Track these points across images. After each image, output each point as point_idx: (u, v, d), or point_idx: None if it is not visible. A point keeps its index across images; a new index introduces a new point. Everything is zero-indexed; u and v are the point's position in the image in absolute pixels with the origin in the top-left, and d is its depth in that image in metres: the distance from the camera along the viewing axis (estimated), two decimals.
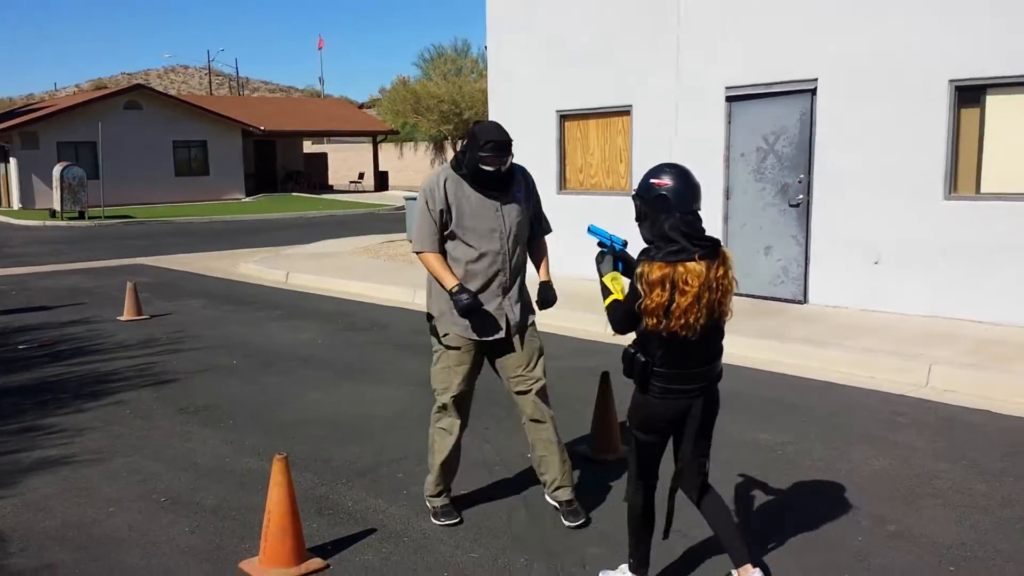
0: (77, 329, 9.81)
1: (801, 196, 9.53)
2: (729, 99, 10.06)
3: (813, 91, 9.35)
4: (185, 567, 4.02)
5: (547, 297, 4.45)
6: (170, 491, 4.96)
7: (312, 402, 6.74)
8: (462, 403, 4.52)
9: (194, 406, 6.68)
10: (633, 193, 3.33)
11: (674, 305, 3.15)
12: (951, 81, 8.41)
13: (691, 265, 3.16)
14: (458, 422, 4.53)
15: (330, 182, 45.71)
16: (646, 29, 10.79)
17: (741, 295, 10.13)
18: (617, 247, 3.56)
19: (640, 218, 3.35)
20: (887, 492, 4.78)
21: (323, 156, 46.77)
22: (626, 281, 3.41)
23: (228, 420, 6.31)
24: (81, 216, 27.48)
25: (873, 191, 8.97)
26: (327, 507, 4.69)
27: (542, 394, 4.48)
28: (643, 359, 3.32)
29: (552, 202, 12.06)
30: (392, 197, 36.27)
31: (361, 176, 43.81)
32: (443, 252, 4.40)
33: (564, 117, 12.01)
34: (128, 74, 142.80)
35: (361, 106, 59.22)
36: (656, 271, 3.16)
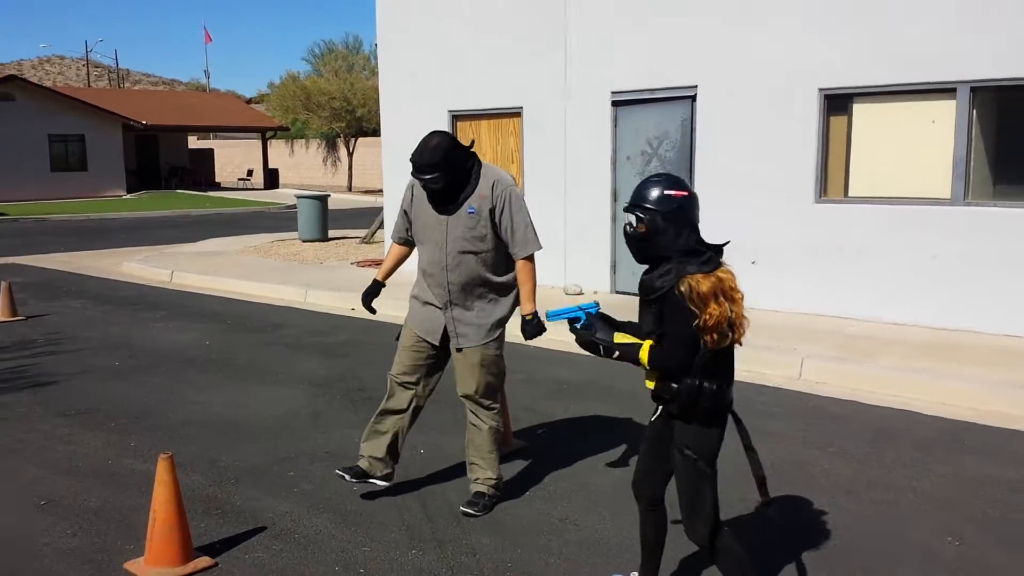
0: None
1: None
2: (615, 104, 10.36)
3: (693, 97, 9.72)
4: (67, 569, 3.94)
5: (524, 332, 4.56)
6: (51, 494, 4.83)
7: (200, 403, 6.65)
8: (402, 386, 4.65)
9: (75, 409, 6.49)
10: (643, 207, 3.10)
11: (733, 316, 3.00)
12: (821, 90, 8.89)
13: (725, 273, 3.06)
14: (392, 401, 4.67)
15: (217, 179, 44.57)
16: (536, 33, 10.99)
17: (629, 294, 10.45)
18: (593, 312, 3.33)
19: (651, 234, 3.10)
20: None
21: (209, 152, 45.56)
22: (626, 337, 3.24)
23: (111, 423, 6.17)
24: None
25: (750, 194, 9.39)
26: (215, 507, 4.66)
27: (474, 404, 4.64)
28: (714, 386, 3.08)
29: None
30: (283, 195, 35.63)
31: (250, 173, 42.91)
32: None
33: (456, 117, 12.11)
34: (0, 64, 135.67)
35: (249, 101, 57.95)
36: (704, 283, 2.98)
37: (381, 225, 17.49)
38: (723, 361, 3.12)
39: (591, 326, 3.28)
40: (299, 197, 18.29)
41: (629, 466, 5.21)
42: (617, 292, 10.62)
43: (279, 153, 47.46)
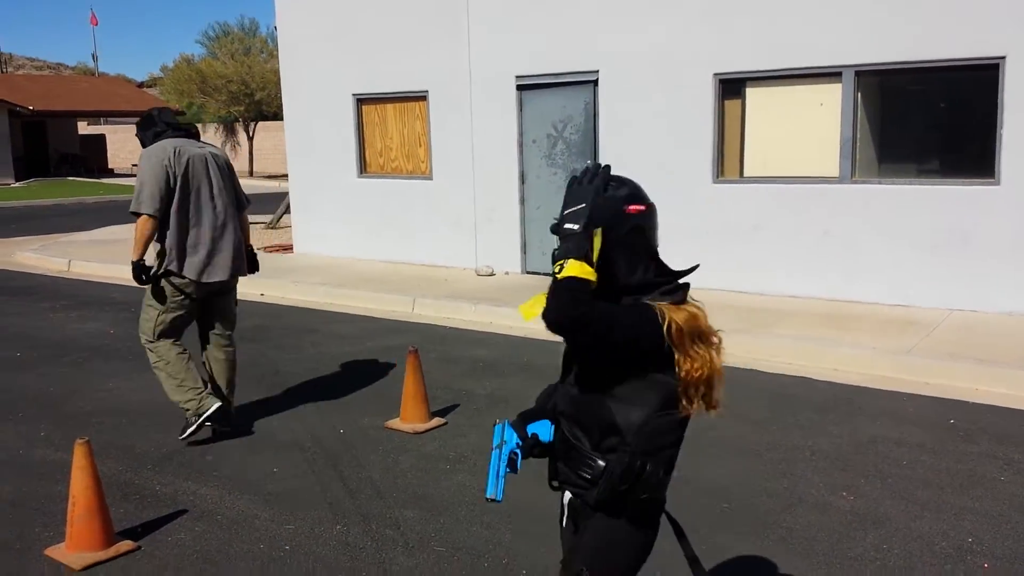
0: None
1: None
2: (520, 87, 10.50)
3: (595, 82, 9.95)
4: None
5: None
6: None
7: (109, 392, 6.54)
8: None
9: None
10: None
11: (712, 364, 2.15)
12: (715, 75, 9.22)
13: (695, 305, 2.20)
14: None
15: (110, 165, 43.01)
16: (439, 16, 11.03)
17: (539, 273, 10.67)
18: (515, 443, 2.36)
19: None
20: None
21: (101, 138, 43.89)
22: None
23: (17, 413, 6.03)
24: None
25: (651, 176, 9.57)
26: (134, 492, 4.65)
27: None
28: (659, 469, 2.19)
29: (354, 186, 12.17)
30: None
31: None
32: None
33: (361, 101, 12.06)
34: None
35: (140, 85, 55.99)
36: (679, 312, 2.11)
37: (287, 210, 17.30)
38: (677, 436, 2.23)
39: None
40: None
41: None
42: (528, 272, 10.81)
43: None
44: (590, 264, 2.03)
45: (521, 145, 10.61)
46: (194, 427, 5.29)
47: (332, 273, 11.08)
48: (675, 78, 9.41)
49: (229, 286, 5.65)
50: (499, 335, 8.25)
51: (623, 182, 2.27)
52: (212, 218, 5.37)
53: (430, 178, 11.43)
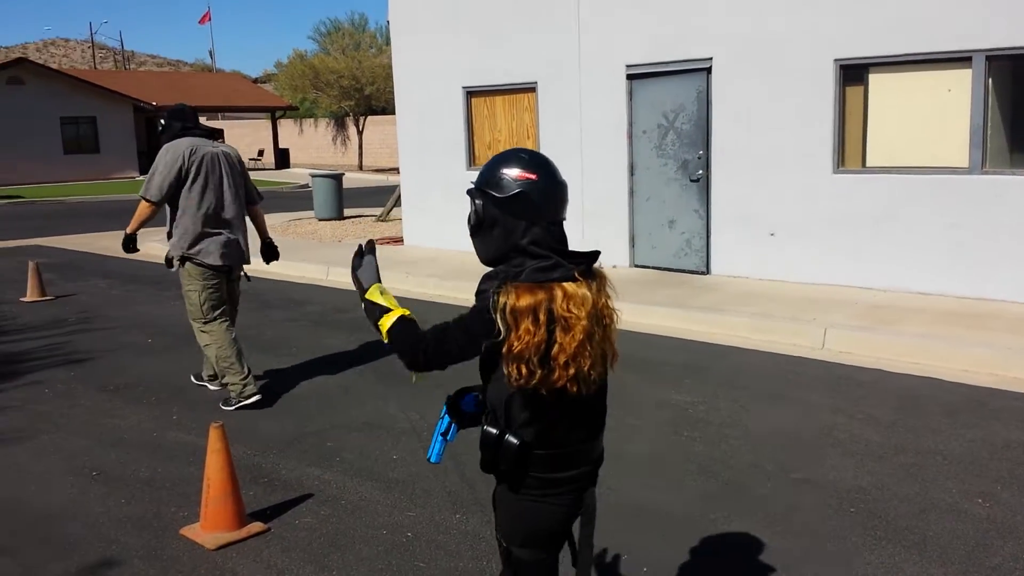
0: None
1: (700, 171, 9.96)
2: (630, 77, 10.40)
3: (708, 70, 9.76)
4: (126, 536, 4.09)
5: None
6: (100, 466, 4.98)
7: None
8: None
9: (114, 384, 6.64)
10: (470, 188, 2.38)
11: (556, 347, 2.20)
12: (836, 60, 8.92)
13: (571, 288, 2.24)
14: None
15: None
16: (549, 6, 11.02)
17: (648, 267, 10.55)
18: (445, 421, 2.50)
19: (483, 226, 2.34)
20: (791, 443, 5.18)
21: (219, 133, 45.52)
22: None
23: (151, 396, 6.32)
24: None
25: (767, 166, 9.45)
26: (261, 475, 4.81)
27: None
28: (516, 441, 2.28)
29: (463, 179, 12.27)
30: (295, 175, 35.73)
31: (261, 153, 42.95)
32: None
33: (471, 93, 12.16)
34: (3, 48, 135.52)
35: (255, 81, 57.87)
36: (524, 296, 2.19)
37: (397, 203, 17.63)
38: (549, 416, 2.30)
39: (360, 263, 2.59)
40: (314, 176, 18.39)
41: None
42: (636, 266, 10.71)
43: (288, 133, 47.46)
44: (388, 309, 2.40)
45: (631, 136, 10.50)
46: (233, 407, 5.96)
47: (442, 265, 11.22)
48: (794, 64, 9.15)
49: (235, 274, 6.28)
50: None
51: (521, 150, 2.41)
52: (221, 210, 5.97)
53: None
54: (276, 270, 12.12)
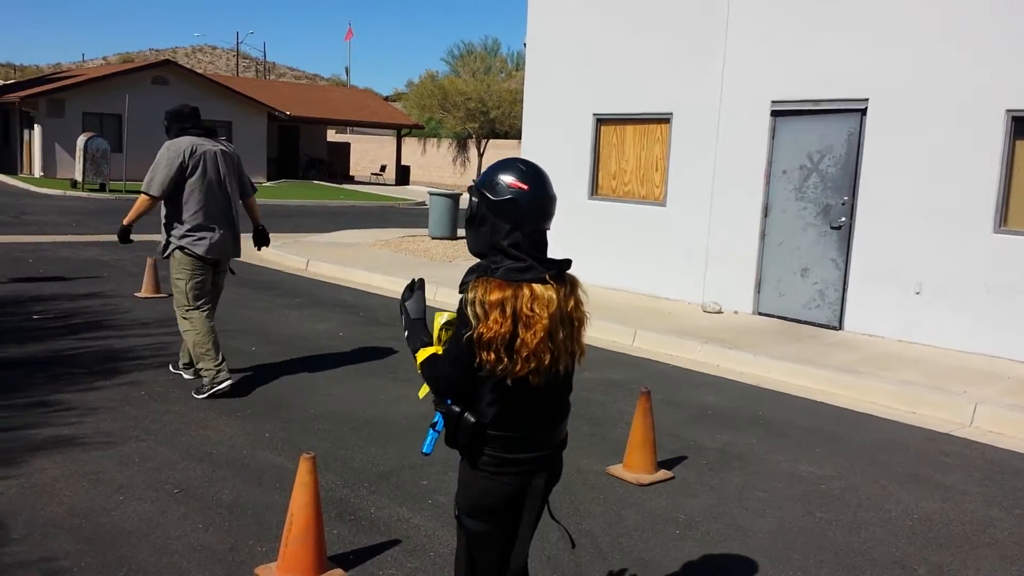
0: (93, 303, 9.60)
1: (844, 219, 9.25)
2: (775, 113, 9.79)
3: (863, 111, 9.06)
4: (198, 568, 3.77)
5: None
6: (184, 481, 4.71)
7: (333, 397, 6.50)
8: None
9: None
10: (472, 185, 2.60)
11: (519, 341, 2.43)
12: (1008, 111, 8.12)
13: (539, 289, 2.47)
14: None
15: (351, 172, 45.55)
16: (692, 36, 10.52)
17: (773, 316, 9.86)
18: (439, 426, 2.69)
19: (475, 221, 2.56)
20: (941, 538, 4.51)
21: (346, 146, 46.63)
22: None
23: (246, 409, 6.07)
24: (102, 188, 27.37)
25: (919, 218, 8.68)
26: (348, 511, 4.44)
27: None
28: (472, 419, 2.51)
29: (584, 207, 11.86)
30: (413, 192, 36.06)
31: (383, 169, 43.64)
32: None
33: (601, 121, 11.74)
34: (156, 50, 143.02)
35: (386, 99, 59.11)
36: (494, 291, 2.43)
37: None
38: (508, 401, 2.52)
39: (409, 299, 2.79)
40: (432, 194, 18.29)
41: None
42: (760, 314, 10.04)
43: (411, 150, 48.19)
44: (429, 342, 2.65)
45: (769, 175, 9.87)
46: (206, 395, 6.18)
47: None
48: (958, 111, 8.39)
49: (223, 267, 6.57)
50: (728, 380, 7.60)
51: (522, 160, 2.62)
52: (217, 204, 6.32)
53: (663, 204, 10.91)
54: (382, 285, 12.00)
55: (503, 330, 2.41)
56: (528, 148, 12.80)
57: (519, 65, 38.13)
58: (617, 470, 5.20)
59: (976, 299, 8.34)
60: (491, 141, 39.05)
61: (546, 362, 2.46)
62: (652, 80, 11.01)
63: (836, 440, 6.10)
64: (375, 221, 22.54)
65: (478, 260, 2.59)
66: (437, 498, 4.69)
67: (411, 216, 25.17)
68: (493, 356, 2.43)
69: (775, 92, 9.75)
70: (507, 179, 2.51)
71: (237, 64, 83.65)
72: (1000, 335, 8.17)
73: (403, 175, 41.99)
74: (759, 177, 9.92)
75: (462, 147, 43.97)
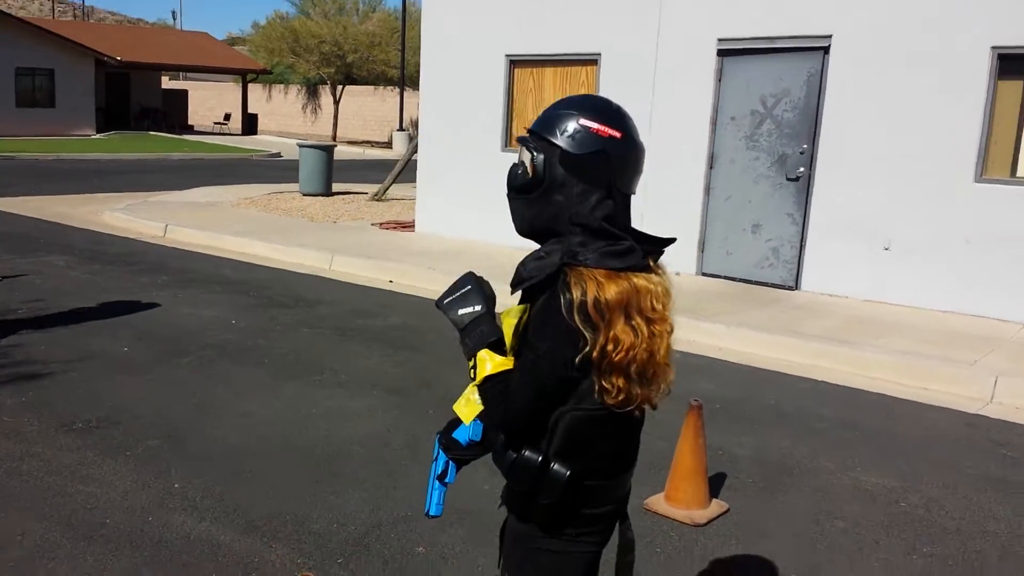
0: None
1: (802, 169, 8.33)
2: (722, 53, 8.71)
3: (826, 50, 8.11)
4: None
5: None
6: None
7: (251, 417, 4.99)
8: None
9: (83, 419, 4.81)
10: (540, 137, 1.81)
11: (651, 352, 1.78)
12: (993, 48, 7.34)
13: (655, 280, 1.82)
14: None
15: (190, 122, 42.10)
16: None
17: (719, 276, 8.93)
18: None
19: (541, 186, 1.81)
20: None
21: (183, 93, 43.00)
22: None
23: (135, 444, 4.50)
24: None
25: (889, 168, 7.86)
26: None
27: None
28: (566, 471, 1.81)
29: (496, 160, 10.52)
30: (264, 142, 33.49)
31: (227, 117, 40.51)
32: None
33: (515, 63, 10.37)
34: None
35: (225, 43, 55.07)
36: (610, 285, 1.74)
37: (395, 180, 15.79)
38: (610, 436, 1.85)
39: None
40: (301, 146, 16.45)
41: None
42: (704, 274, 9.08)
43: (256, 98, 44.91)
44: (502, 345, 1.82)
45: (715, 122, 8.83)
46: None
47: (474, 261, 9.44)
48: (938, 50, 7.55)
49: None
50: (715, 360, 6.55)
51: (596, 97, 1.91)
52: None
53: None
54: (265, 254, 10.33)
55: (641, 344, 1.76)
56: (428, 94, 11.29)
57: (375, 6, 35.91)
58: (658, 504, 4.02)
59: (955, 254, 7.61)
60: (347, 88, 36.74)
61: (671, 379, 1.86)
62: (575, 16, 9.71)
63: (874, 435, 5.14)
64: (230, 176, 20.32)
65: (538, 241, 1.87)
66: (444, 572, 3.39)
67: (269, 169, 23.02)
68: (623, 381, 1.77)
69: (722, 29, 8.65)
70: (589, 123, 1.81)
71: (53, 9, 76.42)
72: (982, 292, 7.48)
73: (251, 124, 39.06)
74: (704, 124, 8.85)
75: (313, 94, 41.39)
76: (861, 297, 8.07)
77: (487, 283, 1.93)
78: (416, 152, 11.91)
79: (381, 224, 12.43)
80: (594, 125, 1.80)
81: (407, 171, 15.71)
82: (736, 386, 5.95)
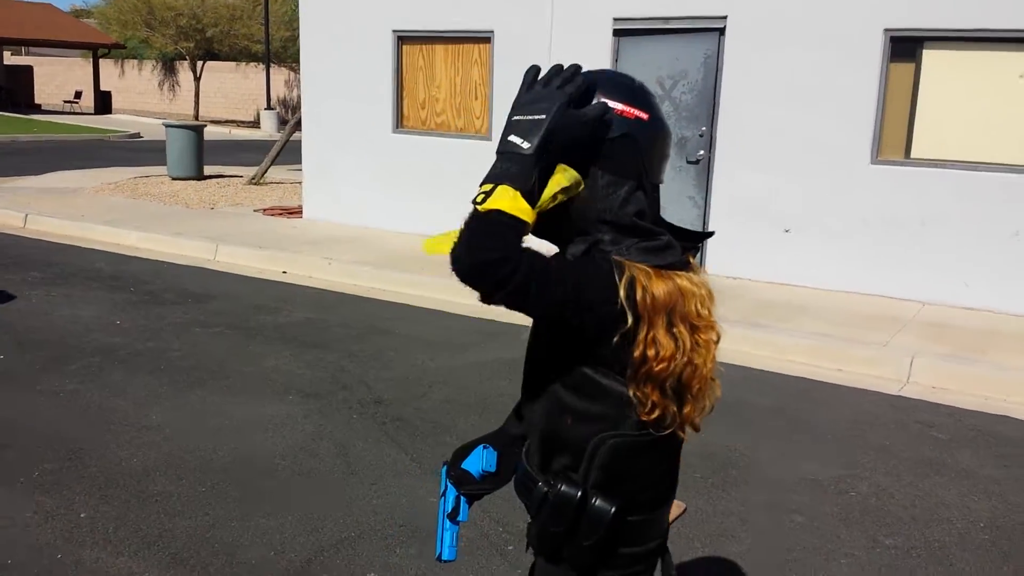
0: None
1: (702, 152, 8.33)
2: (618, 32, 8.60)
3: (722, 30, 8.11)
4: None
5: None
6: None
7: (155, 431, 4.54)
8: None
9: None
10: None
11: (695, 364, 1.57)
12: (886, 31, 7.50)
13: (697, 280, 1.60)
14: None
15: (36, 100, 39.33)
16: None
17: None
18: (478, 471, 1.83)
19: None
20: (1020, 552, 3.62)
21: (27, 69, 40.04)
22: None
23: (30, 469, 4.00)
24: None
25: (788, 150, 7.95)
26: None
27: None
28: (611, 507, 1.57)
29: (388, 142, 10.12)
30: (120, 121, 31.59)
31: (78, 95, 38.03)
32: None
33: (403, 39, 9.97)
34: None
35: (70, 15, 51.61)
36: (659, 284, 1.52)
37: (273, 163, 15.08)
38: (655, 464, 1.64)
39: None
40: (169, 127, 15.47)
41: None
42: None
43: (108, 75, 42.31)
44: (532, 203, 1.42)
45: None
46: None
47: (372, 249, 9.05)
48: (832, 31, 7.66)
49: None
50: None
51: (618, 74, 1.63)
52: None
53: (488, 138, 9.46)
54: (140, 244, 9.63)
55: (682, 356, 1.54)
56: (309, 73, 10.75)
57: None
58: None
59: (854, 236, 7.78)
60: (208, 64, 35.04)
61: (717, 397, 1.66)
62: None
63: (804, 421, 5.14)
64: (87, 159, 18.98)
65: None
66: None
67: (129, 151, 21.66)
68: (657, 395, 1.54)
69: (617, 8, 8.54)
70: (616, 104, 1.54)
71: None
72: (881, 273, 7.67)
73: (104, 103, 36.79)
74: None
75: (170, 70, 39.35)
76: (765, 280, 8.16)
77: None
78: (294, 132, 11.36)
79: (265, 210, 11.81)
80: (618, 106, 1.55)
81: (285, 153, 15.06)
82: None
